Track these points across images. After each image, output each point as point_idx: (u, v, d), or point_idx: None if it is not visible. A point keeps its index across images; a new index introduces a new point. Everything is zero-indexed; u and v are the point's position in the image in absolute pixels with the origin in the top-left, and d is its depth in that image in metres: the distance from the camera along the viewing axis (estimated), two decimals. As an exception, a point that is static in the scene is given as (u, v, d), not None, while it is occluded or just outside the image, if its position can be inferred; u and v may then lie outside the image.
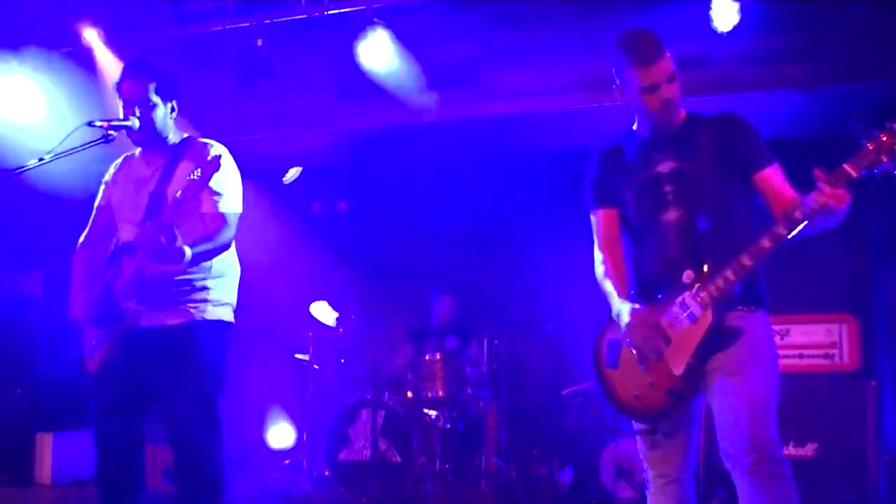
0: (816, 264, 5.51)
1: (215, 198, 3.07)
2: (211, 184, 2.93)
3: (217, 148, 3.20)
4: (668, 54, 2.53)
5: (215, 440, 3.04)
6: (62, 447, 6.02)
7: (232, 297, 3.22)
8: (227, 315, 3.19)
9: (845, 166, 2.25)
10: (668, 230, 2.57)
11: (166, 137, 3.20)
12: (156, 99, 3.12)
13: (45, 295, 6.52)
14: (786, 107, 5.22)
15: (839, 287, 5.72)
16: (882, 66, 4.77)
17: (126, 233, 3.13)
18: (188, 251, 2.86)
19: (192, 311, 3.07)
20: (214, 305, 3.13)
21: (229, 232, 3.09)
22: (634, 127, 2.73)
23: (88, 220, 3.34)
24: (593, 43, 5.13)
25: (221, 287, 3.17)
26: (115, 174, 3.32)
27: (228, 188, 3.12)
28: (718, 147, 2.56)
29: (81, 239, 3.32)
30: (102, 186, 3.34)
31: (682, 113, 2.67)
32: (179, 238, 2.81)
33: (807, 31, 4.88)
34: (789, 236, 2.35)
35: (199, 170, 2.87)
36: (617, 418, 2.75)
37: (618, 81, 2.61)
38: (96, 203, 3.33)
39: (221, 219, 3.07)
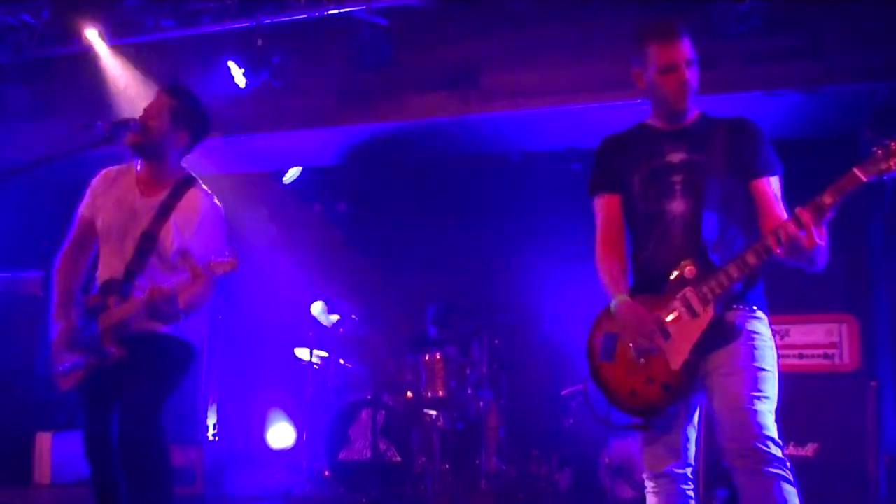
0: (816, 265, 5.49)
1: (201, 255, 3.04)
2: (200, 240, 3.01)
3: (211, 202, 3.21)
4: (689, 41, 2.57)
5: (153, 439, 3.01)
6: (62, 447, 6.00)
7: (198, 319, 3.22)
8: (190, 334, 3.19)
9: (855, 170, 2.27)
10: (674, 221, 2.57)
11: (166, 161, 3.18)
12: (167, 116, 3.13)
13: (45, 295, 6.51)
14: (786, 107, 5.22)
15: (839, 287, 5.70)
16: (882, 67, 4.77)
17: (112, 267, 3.12)
18: (181, 316, 2.95)
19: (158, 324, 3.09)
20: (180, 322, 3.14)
21: (212, 290, 3.09)
22: (648, 120, 2.76)
23: (71, 227, 3.28)
24: (594, 43, 5.15)
25: None
26: (105, 186, 3.26)
27: (215, 246, 3.09)
28: (729, 147, 2.58)
29: (64, 248, 3.27)
30: (89, 194, 3.28)
31: (696, 112, 2.70)
32: (177, 303, 2.90)
33: (807, 31, 4.88)
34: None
35: (191, 227, 3.02)
36: (609, 413, 2.72)
37: (638, 65, 2.64)
38: (81, 210, 3.27)
39: (208, 276, 3.00)
